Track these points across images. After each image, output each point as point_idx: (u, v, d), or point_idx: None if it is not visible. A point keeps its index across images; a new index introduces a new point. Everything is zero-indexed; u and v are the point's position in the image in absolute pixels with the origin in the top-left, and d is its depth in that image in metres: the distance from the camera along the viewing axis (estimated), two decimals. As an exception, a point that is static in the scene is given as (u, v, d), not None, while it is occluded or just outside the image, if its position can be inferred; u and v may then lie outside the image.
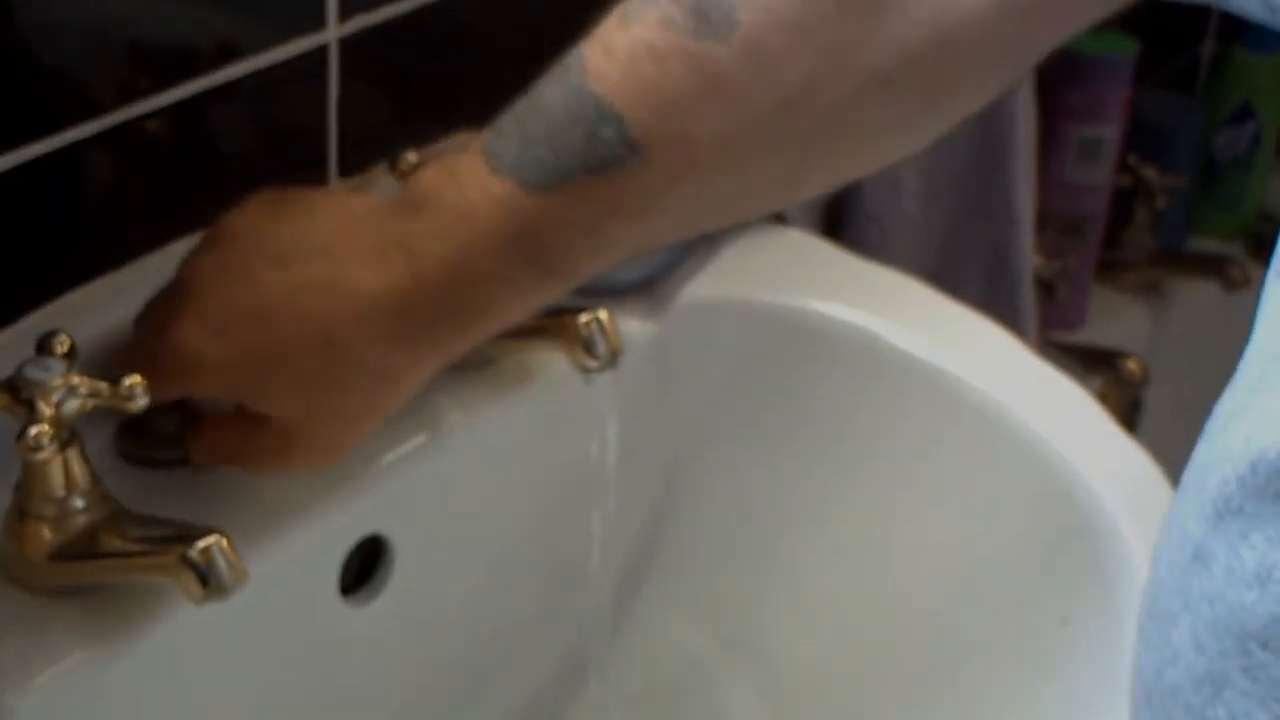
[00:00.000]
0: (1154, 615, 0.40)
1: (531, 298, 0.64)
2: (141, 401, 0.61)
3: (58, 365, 0.61)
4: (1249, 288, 1.46)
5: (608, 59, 0.60)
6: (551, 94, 0.61)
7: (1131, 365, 1.36)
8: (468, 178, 0.62)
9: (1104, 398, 1.32)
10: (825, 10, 0.57)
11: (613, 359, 0.72)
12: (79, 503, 0.62)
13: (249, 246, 0.64)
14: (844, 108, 0.59)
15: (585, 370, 0.72)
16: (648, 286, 0.82)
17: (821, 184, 0.65)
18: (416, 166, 0.74)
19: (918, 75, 0.58)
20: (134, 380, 0.61)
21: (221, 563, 0.59)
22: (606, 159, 0.60)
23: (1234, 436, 0.38)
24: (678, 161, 0.60)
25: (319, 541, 0.70)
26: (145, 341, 0.66)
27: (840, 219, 0.94)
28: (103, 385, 0.61)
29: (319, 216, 0.65)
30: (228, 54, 0.74)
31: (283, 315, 0.63)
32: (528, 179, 0.61)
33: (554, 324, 0.73)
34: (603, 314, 0.72)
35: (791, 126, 0.59)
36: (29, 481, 0.62)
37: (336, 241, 0.64)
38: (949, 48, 0.57)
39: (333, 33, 0.77)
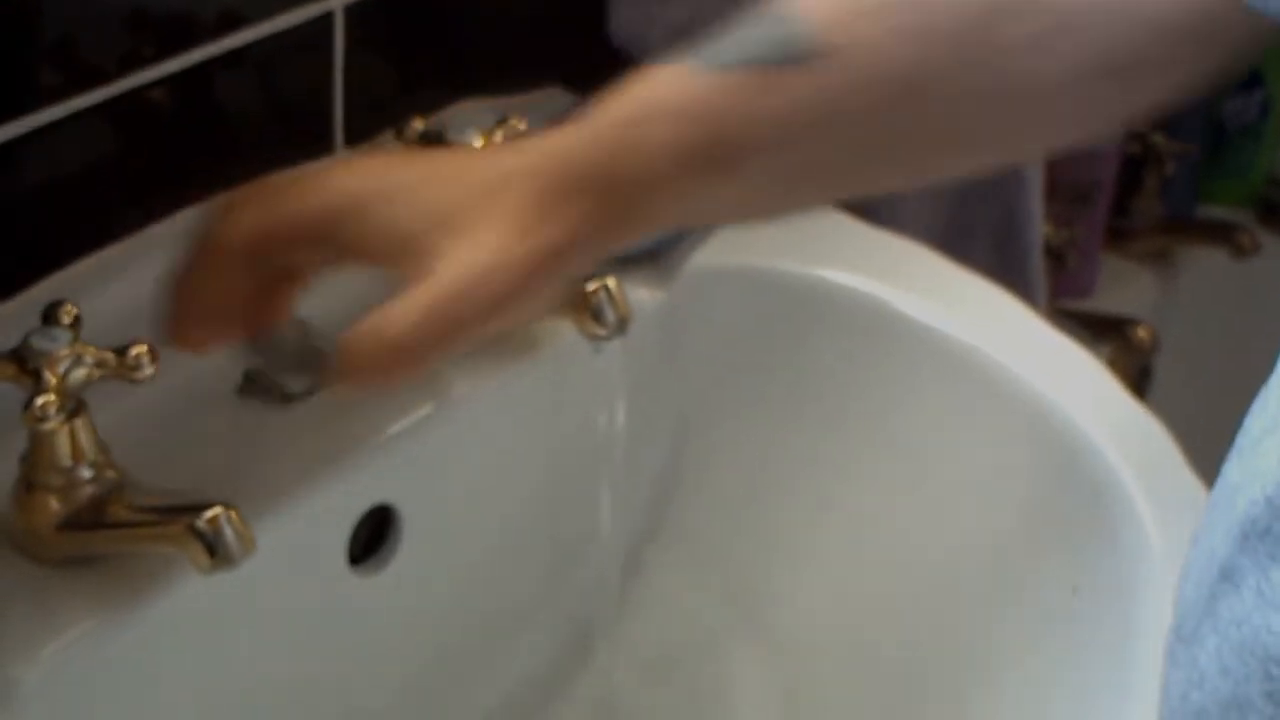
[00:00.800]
0: (1181, 637, 0.40)
1: (697, 191, 0.61)
2: (148, 370, 0.61)
3: (64, 335, 0.60)
4: (1258, 255, 1.46)
5: None
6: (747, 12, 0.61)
7: (1141, 333, 1.36)
8: (652, 71, 0.61)
9: (1114, 365, 1.32)
10: None
11: (621, 327, 0.72)
12: (86, 473, 0.62)
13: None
14: (1057, 78, 0.59)
15: (593, 339, 0.72)
16: (656, 255, 0.82)
17: (993, 152, 0.64)
18: (422, 135, 0.74)
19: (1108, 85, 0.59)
20: (140, 349, 0.61)
21: (229, 532, 0.59)
22: (792, 53, 0.59)
23: (1265, 455, 0.38)
24: (862, 65, 0.59)
25: (327, 511, 0.70)
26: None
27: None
28: (109, 355, 0.61)
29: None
30: (232, 22, 0.73)
31: (442, 168, 0.60)
32: (714, 61, 0.60)
33: (562, 292, 0.72)
34: (611, 282, 0.71)
35: (984, 78, 0.59)
36: (36, 452, 0.62)
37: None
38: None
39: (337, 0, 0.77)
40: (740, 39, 0.60)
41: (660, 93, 0.60)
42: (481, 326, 0.57)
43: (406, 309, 0.56)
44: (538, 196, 0.58)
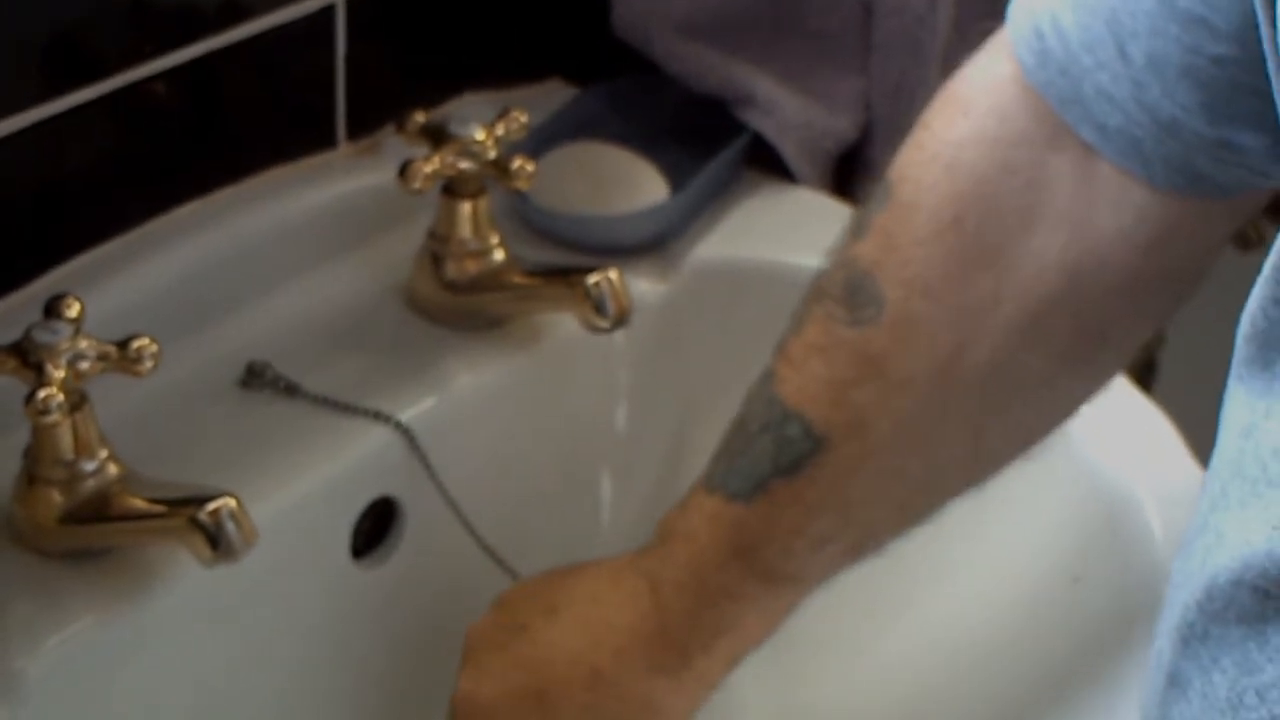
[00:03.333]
0: None
1: (768, 610, 0.65)
2: (150, 364, 0.61)
3: (66, 328, 0.60)
4: (1263, 247, 1.45)
5: (788, 365, 0.62)
6: (750, 409, 0.64)
7: (1145, 326, 1.35)
8: (691, 502, 0.65)
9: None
10: (953, 273, 0.57)
11: (622, 319, 0.72)
12: (88, 466, 0.62)
13: (522, 602, 0.69)
14: (997, 363, 0.58)
15: (595, 330, 0.72)
16: (658, 247, 0.82)
17: (1011, 449, 0.64)
18: (424, 128, 0.74)
19: (1060, 317, 0.57)
20: (141, 343, 0.61)
21: (230, 525, 0.59)
22: (795, 458, 0.61)
23: (1194, 557, 0.38)
24: (858, 447, 0.61)
25: (330, 504, 0.70)
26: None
27: (851, 178, 0.94)
28: (111, 348, 0.61)
29: (588, 570, 0.68)
30: (235, 14, 0.73)
31: (553, 654, 0.66)
32: (732, 491, 0.63)
33: (563, 284, 0.72)
34: (612, 273, 0.71)
35: (953, 394, 0.59)
36: (38, 445, 0.62)
37: (601, 587, 0.67)
38: (1087, 283, 0.57)
39: (339, -7, 0.77)
40: (748, 450, 0.63)
41: (702, 543, 0.64)
42: None
43: None
44: (646, 680, 0.66)
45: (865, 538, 0.64)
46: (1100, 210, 0.54)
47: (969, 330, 0.58)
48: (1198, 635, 0.37)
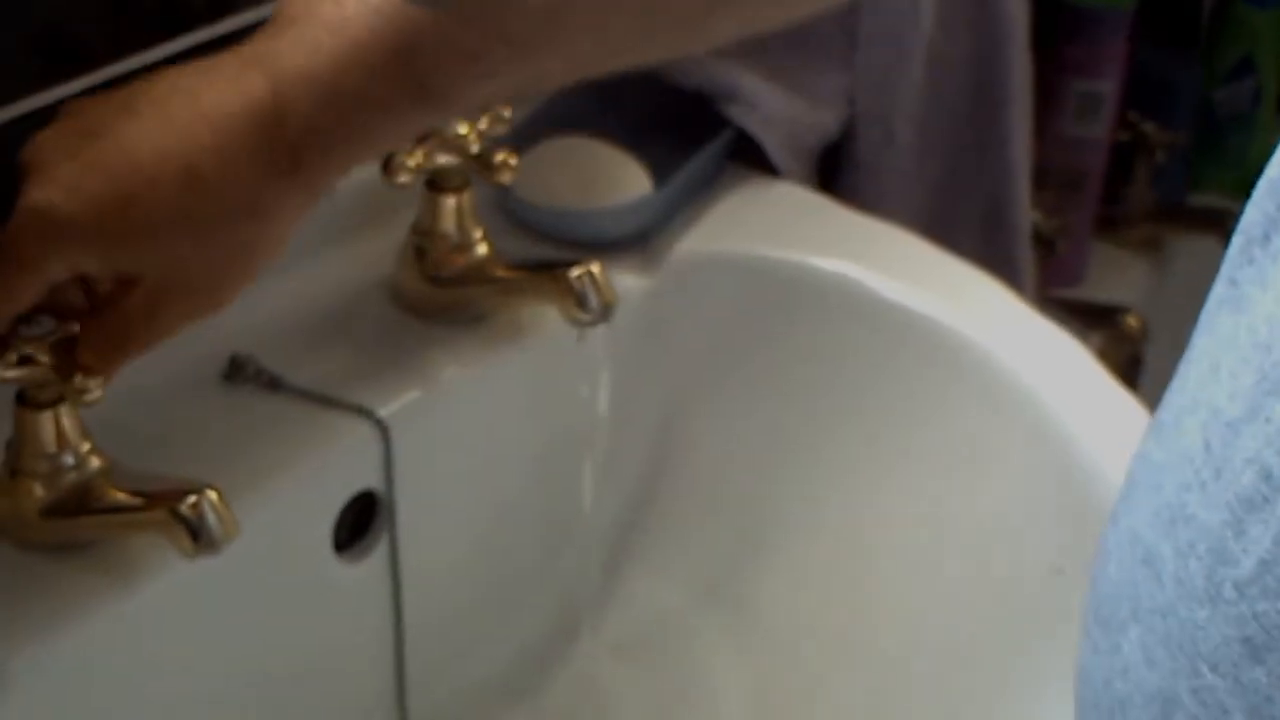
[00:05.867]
0: (1100, 620, 0.38)
1: (406, 123, 0.61)
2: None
3: (48, 321, 0.60)
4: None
5: None
6: None
7: (1131, 321, 1.36)
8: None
9: (1104, 354, 1.32)
10: None
11: (605, 313, 0.72)
12: (70, 459, 0.62)
13: (94, 107, 0.60)
14: None
15: (578, 324, 0.72)
16: (641, 241, 0.82)
17: (729, 27, 0.60)
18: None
19: None
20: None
21: (212, 517, 0.59)
22: None
23: (1186, 434, 0.36)
24: None
25: (312, 498, 0.70)
26: None
27: (834, 172, 0.94)
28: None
29: (173, 70, 0.60)
30: (222, 7, 0.73)
31: (137, 156, 0.58)
32: None
33: (546, 278, 0.73)
34: (594, 267, 0.72)
35: None
36: (21, 438, 0.62)
37: (194, 79, 0.59)
38: None
39: (323, -13, 0.77)
40: None
41: (355, 37, 0.58)
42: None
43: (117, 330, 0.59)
44: (248, 179, 0.58)
45: (542, 84, 0.62)
46: None
47: None
48: (1185, 517, 0.35)
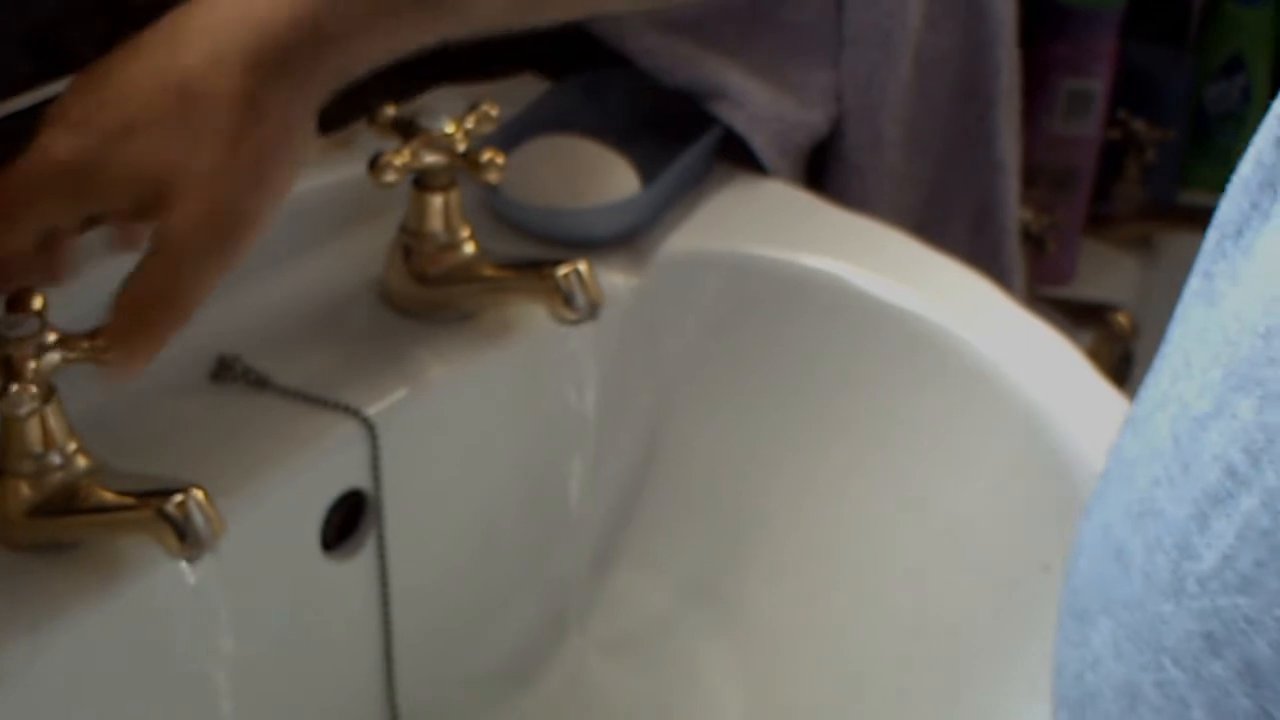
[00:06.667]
0: (1074, 613, 0.38)
1: (413, 32, 0.61)
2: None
3: (32, 322, 0.60)
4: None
5: None
6: None
7: (1122, 319, 1.36)
8: None
9: (1095, 352, 1.32)
10: None
11: (592, 311, 0.72)
12: (57, 459, 0.62)
13: (106, 59, 0.61)
14: None
15: (565, 323, 0.72)
16: (629, 240, 0.82)
17: None
18: (395, 122, 0.74)
19: None
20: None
21: (198, 516, 0.59)
22: None
23: (1158, 429, 0.37)
24: None
25: (299, 497, 0.70)
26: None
27: (823, 171, 0.94)
28: (80, 340, 0.61)
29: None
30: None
31: (138, 80, 0.58)
32: None
33: (533, 276, 0.73)
34: (582, 265, 0.72)
35: None
36: (7, 438, 0.62)
37: (190, 9, 0.60)
38: None
39: (310, -13, 0.77)
40: None
41: None
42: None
43: (153, 289, 0.59)
44: (244, 82, 0.58)
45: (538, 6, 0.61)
46: None
47: None
48: (1154, 511, 0.35)
